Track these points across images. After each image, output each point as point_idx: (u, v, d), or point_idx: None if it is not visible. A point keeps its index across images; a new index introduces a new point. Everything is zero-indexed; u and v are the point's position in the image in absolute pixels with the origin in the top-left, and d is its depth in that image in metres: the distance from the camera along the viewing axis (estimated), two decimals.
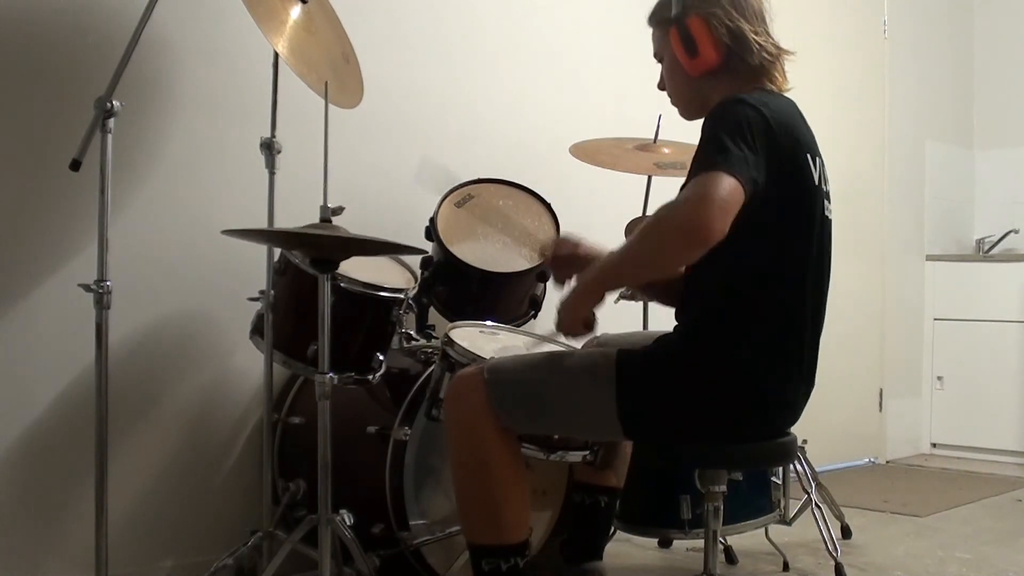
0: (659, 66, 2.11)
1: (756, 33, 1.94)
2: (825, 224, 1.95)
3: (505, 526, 1.96)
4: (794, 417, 2.00)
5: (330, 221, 2.05)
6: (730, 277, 1.88)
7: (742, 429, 1.93)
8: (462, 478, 1.99)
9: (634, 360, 1.92)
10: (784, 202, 1.83)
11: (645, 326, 3.11)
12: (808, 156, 1.88)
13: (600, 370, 1.91)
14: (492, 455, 1.94)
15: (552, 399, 1.96)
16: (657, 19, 2.06)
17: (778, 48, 1.97)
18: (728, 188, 1.69)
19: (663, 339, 1.98)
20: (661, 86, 2.10)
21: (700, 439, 1.92)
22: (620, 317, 3.10)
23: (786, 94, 1.99)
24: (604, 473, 2.34)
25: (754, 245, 1.84)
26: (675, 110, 2.14)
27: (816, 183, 1.89)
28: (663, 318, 2.05)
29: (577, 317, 1.88)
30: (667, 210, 1.75)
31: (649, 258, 1.80)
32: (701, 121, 2.07)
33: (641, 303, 3.10)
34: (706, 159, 1.75)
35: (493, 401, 1.94)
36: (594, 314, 1.90)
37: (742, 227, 1.74)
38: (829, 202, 1.97)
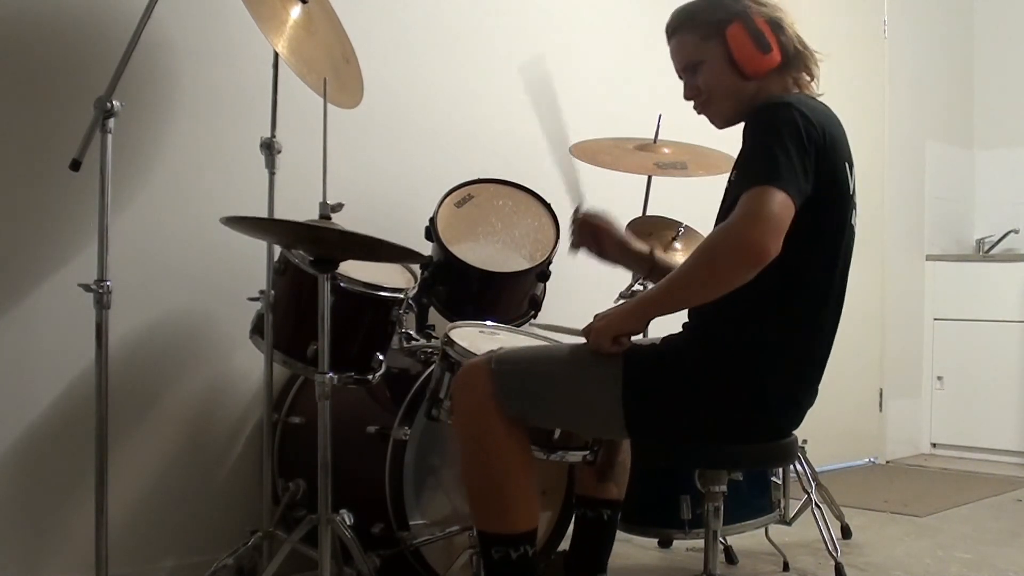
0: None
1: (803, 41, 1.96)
2: (852, 233, 1.94)
3: (514, 515, 1.96)
4: (799, 420, 2.00)
5: (329, 218, 2.05)
6: (751, 282, 1.86)
7: (746, 431, 1.92)
8: (470, 467, 2.00)
9: (641, 358, 1.92)
10: (820, 208, 1.82)
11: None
12: (846, 164, 1.88)
13: (607, 366, 1.91)
14: (499, 444, 1.95)
15: (557, 393, 1.96)
16: (696, 23, 1.98)
17: (816, 56, 1.99)
18: (780, 204, 1.69)
19: (672, 338, 1.98)
20: (690, 95, 2.03)
21: (703, 440, 1.92)
22: None
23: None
24: (606, 486, 2.33)
25: (783, 248, 1.83)
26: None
27: (851, 192, 1.89)
28: (663, 321, 2.05)
29: (610, 334, 1.88)
30: (720, 232, 1.74)
31: (701, 281, 1.78)
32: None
33: None
34: (754, 172, 1.74)
35: (499, 391, 1.94)
36: (629, 338, 1.89)
37: None
38: (856, 211, 1.97)
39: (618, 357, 1.91)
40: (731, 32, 1.93)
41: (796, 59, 1.95)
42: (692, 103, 2.04)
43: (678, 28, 2.02)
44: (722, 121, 2.03)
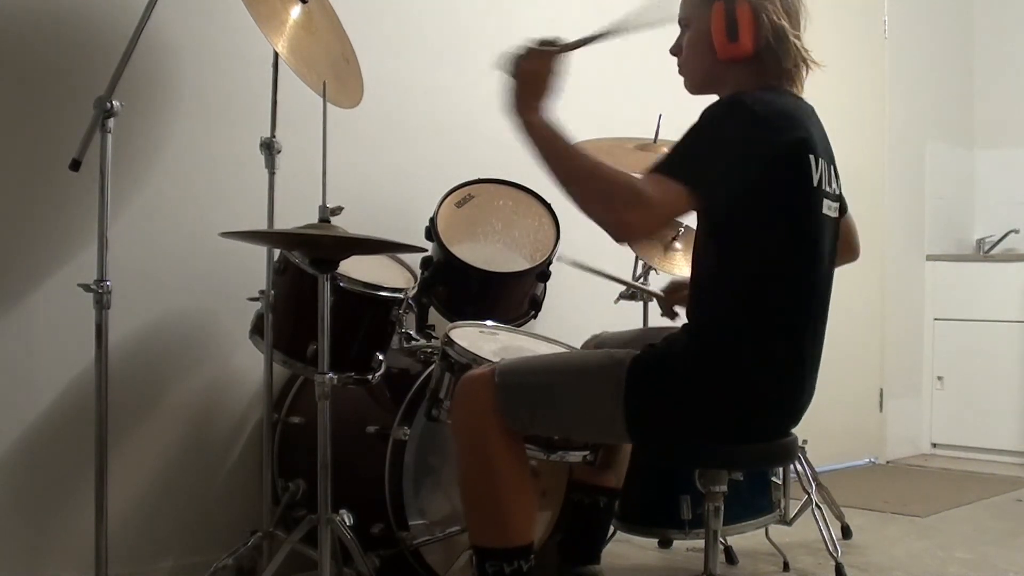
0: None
1: (796, 38, 1.92)
2: (826, 225, 1.92)
3: (509, 529, 1.95)
4: (796, 420, 1.99)
5: (329, 221, 2.05)
6: (730, 278, 1.87)
7: (744, 433, 1.92)
8: (467, 480, 1.99)
9: (644, 365, 1.90)
10: (776, 201, 1.81)
11: (645, 325, 3.11)
12: (811, 156, 1.85)
13: (609, 374, 1.90)
14: (498, 458, 1.93)
15: (560, 402, 1.95)
16: None
17: (809, 57, 1.95)
18: (669, 194, 1.72)
19: (671, 339, 1.96)
20: (674, 51, 2.05)
21: (702, 442, 1.92)
22: (620, 317, 3.10)
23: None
24: (604, 474, 2.33)
25: (750, 246, 1.83)
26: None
27: (815, 184, 1.86)
28: (661, 319, 2.05)
29: (516, 111, 1.90)
30: (620, 189, 1.75)
31: (576, 194, 1.79)
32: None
33: (641, 303, 3.09)
34: (668, 159, 1.77)
35: (501, 403, 1.93)
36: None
37: (739, 227, 1.73)
38: (837, 203, 1.95)
39: (623, 364, 1.90)
40: (716, 7, 1.92)
41: (771, 52, 1.91)
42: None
43: None
44: (691, 86, 2.04)
